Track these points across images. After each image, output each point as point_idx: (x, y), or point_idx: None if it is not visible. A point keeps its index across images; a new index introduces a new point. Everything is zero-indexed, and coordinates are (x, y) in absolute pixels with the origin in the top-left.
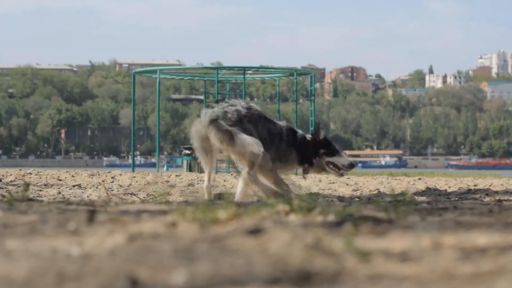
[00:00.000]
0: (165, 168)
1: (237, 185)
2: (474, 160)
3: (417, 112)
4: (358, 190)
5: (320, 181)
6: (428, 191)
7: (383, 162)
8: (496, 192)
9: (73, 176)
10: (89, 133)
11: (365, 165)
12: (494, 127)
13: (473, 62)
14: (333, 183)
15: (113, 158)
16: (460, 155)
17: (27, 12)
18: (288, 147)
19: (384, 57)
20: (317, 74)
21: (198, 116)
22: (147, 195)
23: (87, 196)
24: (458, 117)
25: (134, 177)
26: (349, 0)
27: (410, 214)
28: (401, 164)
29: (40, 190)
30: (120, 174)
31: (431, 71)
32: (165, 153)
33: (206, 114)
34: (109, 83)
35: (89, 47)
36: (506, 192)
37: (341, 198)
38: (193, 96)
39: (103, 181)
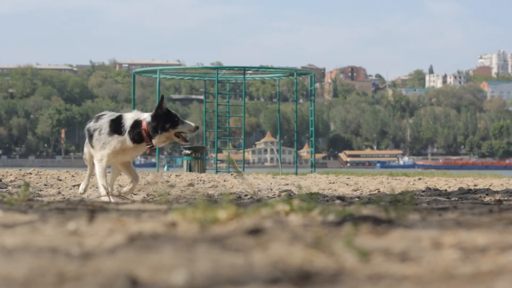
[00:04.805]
0: (165, 168)
1: (235, 184)
2: (441, 160)
3: (417, 112)
4: (358, 190)
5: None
6: (428, 191)
7: (401, 162)
8: (496, 192)
9: (73, 176)
10: None
11: (383, 165)
12: (494, 127)
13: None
14: (333, 183)
15: None
16: (460, 155)
17: (27, 12)
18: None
19: (384, 57)
20: (317, 74)
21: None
22: (147, 195)
23: (87, 196)
24: (458, 117)
25: None
26: (349, 0)
27: (410, 214)
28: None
29: (40, 190)
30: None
31: (431, 71)
32: (165, 153)
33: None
34: (109, 83)
35: (89, 47)
36: (506, 192)
37: (341, 198)
38: (193, 96)
39: None
